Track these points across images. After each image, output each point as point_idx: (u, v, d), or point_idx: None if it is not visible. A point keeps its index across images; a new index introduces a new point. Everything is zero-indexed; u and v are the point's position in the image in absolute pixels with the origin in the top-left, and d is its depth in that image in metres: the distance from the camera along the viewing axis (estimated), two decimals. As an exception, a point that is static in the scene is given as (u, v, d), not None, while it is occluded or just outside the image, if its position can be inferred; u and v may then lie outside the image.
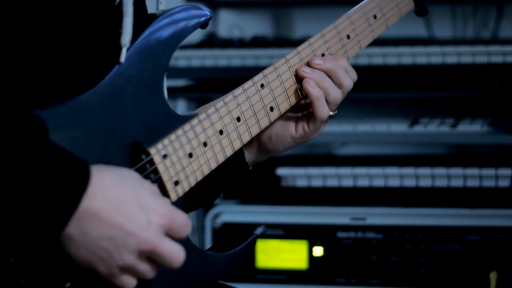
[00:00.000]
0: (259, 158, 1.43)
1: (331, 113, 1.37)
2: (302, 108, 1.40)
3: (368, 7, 1.46)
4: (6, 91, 1.13)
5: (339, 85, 1.36)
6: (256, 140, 1.41)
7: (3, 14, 1.12)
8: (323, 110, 1.35)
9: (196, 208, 1.47)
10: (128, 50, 1.17)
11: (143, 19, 1.23)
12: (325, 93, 1.35)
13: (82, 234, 1.05)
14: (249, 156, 1.42)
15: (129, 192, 1.08)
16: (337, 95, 1.36)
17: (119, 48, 1.17)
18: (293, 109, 1.38)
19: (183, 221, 1.12)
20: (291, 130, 1.39)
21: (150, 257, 1.09)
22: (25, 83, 1.15)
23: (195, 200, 1.41)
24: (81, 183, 1.04)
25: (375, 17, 1.47)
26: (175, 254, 1.10)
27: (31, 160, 1.03)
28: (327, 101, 1.35)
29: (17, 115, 1.05)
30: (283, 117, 1.39)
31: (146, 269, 1.09)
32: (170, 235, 1.11)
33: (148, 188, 1.11)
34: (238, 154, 1.38)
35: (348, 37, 1.43)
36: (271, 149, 1.41)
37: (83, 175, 1.05)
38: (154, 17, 1.21)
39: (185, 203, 1.26)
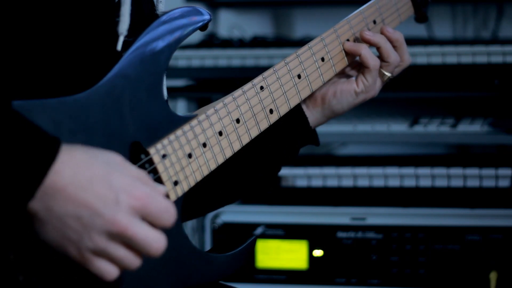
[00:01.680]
0: (321, 119, 1.49)
1: (388, 74, 1.46)
2: (359, 66, 1.47)
3: (367, 12, 1.47)
4: (5, 86, 1.13)
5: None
6: (321, 97, 1.47)
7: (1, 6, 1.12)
8: (372, 59, 1.44)
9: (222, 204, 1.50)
10: (127, 42, 1.17)
11: (145, 18, 1.23)
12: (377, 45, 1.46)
13: (47, 210, 1.01)
14: (312, 116, 1.48)
15: (100, 170, 1.03)
16: (390, 53, 1.45)
17: (116, 37, 1.17)
18: (352, 66, 1.49)
19: (163, 207, 1.06)
20: (353, 84, 1.46)
21: (125, 242, 1.04)
22: (21, 76, 1.15)
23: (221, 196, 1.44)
24: (48, 157, 1.01)
25: (374, 22, 1.48)
26: (151, 240, 1.04)
27: None
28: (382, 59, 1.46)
29: None
30: (345, 74, 1.49)
31: (125, 256, 1.04)
32: (148, 221, 1.05)
33: (127, 171, 1.06)
34: (300, 120, 1.45)
35: (348, 41, 1.45)
36: (335, 106, 1.47)
37: (50, 150, 1.02)
38: (154, 18, 1.21)
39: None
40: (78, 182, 1.02)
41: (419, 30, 2.66)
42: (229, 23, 2.86)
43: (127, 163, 1.08)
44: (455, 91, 2.36)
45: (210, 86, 2.51)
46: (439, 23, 2.74)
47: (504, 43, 2.32)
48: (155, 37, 1.20)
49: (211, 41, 2.66)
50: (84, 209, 1.02)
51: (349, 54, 1.45)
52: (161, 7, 1.32)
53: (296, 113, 1.46)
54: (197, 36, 2.63)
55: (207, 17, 1.25)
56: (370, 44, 1.45)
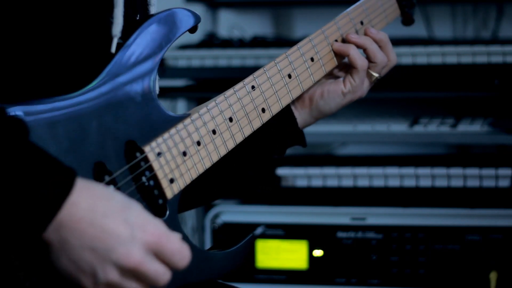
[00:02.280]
0: (309, 119, 1.50)
1: (376, 75, 1.48)
2: (347, 67, 1.49)
3: (354, 13, 1.50)
4: None
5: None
6: (308, 98, 1.48)
7: None
8: (360, 60, 1.45)
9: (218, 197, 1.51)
10: (120, 43, 1.18)
11: (138, 20, 1.24)
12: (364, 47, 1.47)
13: (62, 242, 1.02)
14: (300, 117, 1.49)
15: (117, 205, 1.04)
16: (378, 54, 1.47)
17: (109, 39, 1.18)
18: (340, 68, 1.50)
19: (177, 247, 1.07)
20: (341, 85, 1.47)
21: (136, 276, 1.05)
22: (15, 76, 1.15)
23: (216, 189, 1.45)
24: (64, 189, 1.02)
25: (361, 23, 1.50)
26: (160, 274, 1.05)
27: (14, 163, 1.01)
28: (370, 60, 1.47)
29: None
30: (333, 75, 1.50)
31: None
32: (161, 259, 1.06)
33: (141, 208, 1.07)
34: (289, 120, 1.46)
35: (336, 41, 1.47)
36: (323, 106, 1.48)
37: (67, 181, 1.02)
38: (146, 19, 1.22)
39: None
40: (94, 216, 1.02)
41: (419, 30, 2.66)
42: (229, 23, 2.86)
43: (145, 210, 1.08)
44: (455, 91, 2.36)
45: (210, 86, 2.51)
46: (439, 23, 2.74)
47: (504, 43, 2.32)
48: (145, 38, 1.21)
49: (211, 41, 2.66)
50: (99, 242, 1.02)
51: (338, 55, 1.46)
52: (152, 9, 1.32)
53: (285, 113, 1.47)
54: (197, 36, 2.63)
55: (195, 20, 1.26)
56: (356, 46, 1.47)
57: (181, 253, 1.07)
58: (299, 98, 1.48)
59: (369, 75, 1.48)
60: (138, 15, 1.27)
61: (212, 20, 2.84)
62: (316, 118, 1.50)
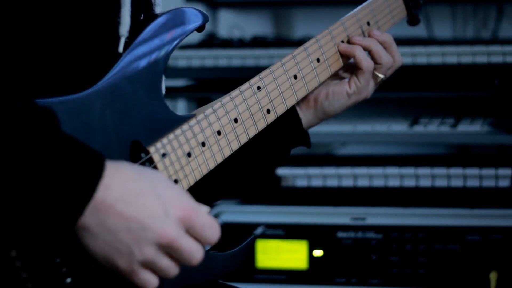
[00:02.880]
0: (314, 120, 1.50)
1: (381, 76, 1.47)
2: (353, 68, 1.49)
3: (361, 14, 1.49)
4: (6, 87, 1.13)
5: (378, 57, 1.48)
6: (313, 99, 1.48)
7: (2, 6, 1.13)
8: (366, 61, 1.45)
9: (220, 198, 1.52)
10: (127, 42, 1.18)
11: (144, 19, 1.24)
12: (369, 49, 1.47)
13: (99, 225, 1.03)
14: (305, 117, 1.49)
15: (147, 184, 1.06)
16: (383, 55, 1.47)
17: (117, 39, 1.18)
18: (345, 68, 1.50)
19: (207, 222, 1.09)
20: (346, 86, 1.48)
21: (169, 253, 1.07)
22: (23, 77, 1.15)
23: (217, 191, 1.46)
24: (96, 172, 1.03)
25: (368, 24, 1.50)
26: (194, 251, 1.07)
27: (46, 150, 1.02)
28: (375, 62, 1.47)
29: (29, 106, 1.05)
30: (338, 75, 1.50)
31: (168, 266, 1.07)
32: (191, 234, 1.08)
33: (170, 183, 1.09)
34: (294, 121, 1.47)
35: (343, 42, 1.47)
36: (327, 107, 1.49)
37: (97, 165, 1.04)
38: (153, 19, 1.22)
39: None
40: (127, 196, 1.04)
41: (419, 30, 2.66)
42: (229, 23, 2.86)
43: (166, 178, 1.10)
44: (455, 91, 2.36)
45: (210, 86, 2.51)
46: (439, 23, 2.74)
47: (504, 43, 2.32)
48: (153, 38, 1.20)
49: (211, 41, 2.66)
50: (134, 222, 1.04)
51: (344, 56, 1.46)
52: (157, 9, 1.32)
53: (290, 114, 1.47)
54: (197, 36, 2.63)
55: (203, 19, 1.26)
56: (362, 47, 1.47)
57: (212, 228, 1.09)
58: (304, 98, 1.49)
59: (374, 76, 1.48)
60: (142, 15, 1.27)
61: (212, 20, 2.84)
62: (321, 119, 1.51)
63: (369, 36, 1.49)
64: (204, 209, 1.10)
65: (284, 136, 1.47)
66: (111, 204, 1.03)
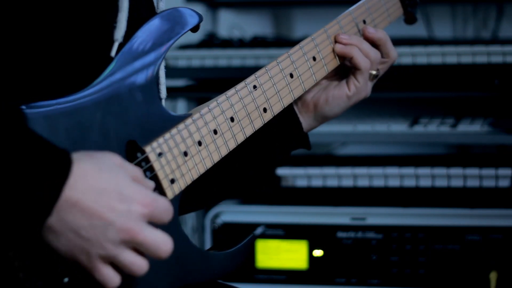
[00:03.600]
0: (314, 123, 1.50)
1: (373, 72, 1.47)
2: (349, 70, 1.48)
3: (357, 12, 1.49)
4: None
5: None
6: (313, 104, 1.48)
7: None
8: (363, 60, 1.45)
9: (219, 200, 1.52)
10: (120, 45, 1.18)
11: (142, 18, 1.24)
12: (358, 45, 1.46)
13: (62, 223, 1.03)
14: (305, 121, 1.49)
15: (109, 180, 1.06)
16: (373, 53, 1.46)
17: (110, 43, 1.18)
18: (343, 71, 1.49)
19: (165, 207, 1.09)
20: (345, 89, 1.47)
21: (136, 248, 1.07)
22: (17, 78, 1.15)
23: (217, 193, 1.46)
24: (63, 173, 1.03)
25: (364, 22, 1.50)
26: (160, 242, 1.07)
27: (11, 150, 1.02)
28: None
29: None
30: (336, 79, 1.49)
31: (132, 261, 1.07)
32: (152, 222, 1.09)
33: (128, 175, 1.09)
34: (294, 124, 1.47)
35: (338, 44, 1.46)
36: (328, 112, 1.49)
37: (64, 164, 1.04)
38: (147, 19, 1.22)
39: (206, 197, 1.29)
40: (90, 194, 1.05)
41: (419, 30, 2.66)
42: (229, 23, 2.86)
43: (125, 162, 1.10)
44: (455, 91, 2.36)
45: (210, 86, 2.51)
46: (439, 23, 2.75)
47: (504, 43, 2.32)
48: (148, 37, 1.20)
49: (211, 41, 2.66)
50: (97, 220, 1.05)
51: (341, 56, 1.46)
52: (161, 6, 1.32)
53: (290, 116, 1.47)
54: (197, 36, 2.63)
55: (198, 19, 1.26)
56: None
57: (168, 211, 1.10)
58: (304, 103, 1.48)
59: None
60: (143, 19, 1.27)
61: (212, 20, 2.84)
62: (321, 122, 1.51)
63: (363, 33, 1.48)
64: (150, 186, 1.11)
65: (284, 138, 1.47)
66: (74, 201, 1.04)
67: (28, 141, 1.04)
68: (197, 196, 1.43)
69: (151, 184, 1.12)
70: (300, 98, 1.46)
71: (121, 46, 1.19)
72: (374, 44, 1.48)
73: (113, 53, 1.18)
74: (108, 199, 1.05)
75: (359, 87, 1.47)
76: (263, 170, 1.49)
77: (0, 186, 1.00)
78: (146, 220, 1.08)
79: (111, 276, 1.07)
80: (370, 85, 1.49)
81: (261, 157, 1.47)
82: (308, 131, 1.51)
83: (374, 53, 1.47)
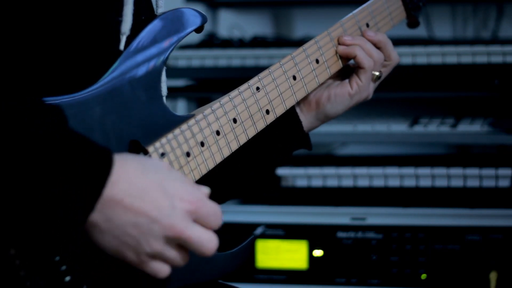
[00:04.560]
0: (315, 122, 1.51)
1: (376, 73, 1.48)
2: (352, 70, 1.49)
3: (360, 16, 1.49)
4: (6, 86, 1.14)
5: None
6: (315, 101, 1.48)
7: (2, 5, 1.13)
8: (366, 59, 1.46)
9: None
10: (127, 38, 1.18)
11: (146, 18, 1.24)
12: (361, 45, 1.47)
13: (107, 221, 1.05)
14: (306, 120, 1.50)
15: (153, 178, 1.08)
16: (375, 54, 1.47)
17: (118, 37, 1.18)
18: (346, 72, 1.49)
19: (212, 210, 1.10)
20: (347, 87, 1.48)
21: (180, 244, 1.09)
22: (25, 75, 1.15)
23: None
24: (104, 170, 1.05)
25: (367, 25, 1.50)
26: (206, 240, 1.08)
27: (54, 148, 1.03)
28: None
29: (36, 104, 1.06)
30: (339, 77, 1.50)
31: (176, 256, 1.08)
32: (199, 223, 1.09)
33: (174, 175, 1.10)
34: (294, 124, 1.47)
35: (341, 45, 1.46)
36: (330, 110, 1.49)
37: (106, 162, 1.05)
38: (154, 18, 1.22)
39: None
40: (134, 192, 1.06)
41: (419, 30, 2.65)
42: (229, 23, 2.86)
43: (170, 168, 1.12)
44: (455, 91, 2.36)
45: (210, 86, 2.51)
46: (439, 23, 2.75)
47: (504, 43, 2.32)
48: (152, 38, 1.21)
49: (211, 41, 2.66)
50: (142, 217, 1.06)
51: (344, 58, 1.46)
52: (161, 4, 1.32)
53: (290, 116, 1.47)
54: (197, 36, 2.63)
55: (203, 19, 1.26)
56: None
57: (216, 214, 1.11)
58: (305, 101, 1.49)
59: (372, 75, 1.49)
60: (144, 16, 1.27)
61: (212, 20, 2.85)
62: (322, 121, 1.51)
63: (363, 36, 1.49)
64: (204, 192, 1.12)
65: (283, 138, 1.48)
66: (118, 199, 1.05)
67: (70, 139, 1.05)
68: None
69: (205, 189, 1.13)
70: None
71: (129, 39, 1.19)
72: (375, 46, 1.49)
73: (121, 46, 1.19)
74: (152, 196, 1.07)
75: (362, 86, 1.47)
76: (263, 170, 1.49)
77: (43, 183, 1.01)
78: (192, 218, 1.09)
79: (161, 268, 1.09)
80: (372, 86, 1.50)
81: (262, 158, 1.47)
82: (310, 131, 1.52)
83: (377, 53, 1.47)
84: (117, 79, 1.16)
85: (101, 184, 1.04)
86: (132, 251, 1.07)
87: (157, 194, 1.07)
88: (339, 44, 1.47)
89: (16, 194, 1.00)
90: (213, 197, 1.49)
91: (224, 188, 1.47)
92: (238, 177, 1.47)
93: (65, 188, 1.02)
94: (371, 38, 1.48)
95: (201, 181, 1.26)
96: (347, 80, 1.49)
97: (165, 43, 1.22)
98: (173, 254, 1.08)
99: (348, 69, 1.50)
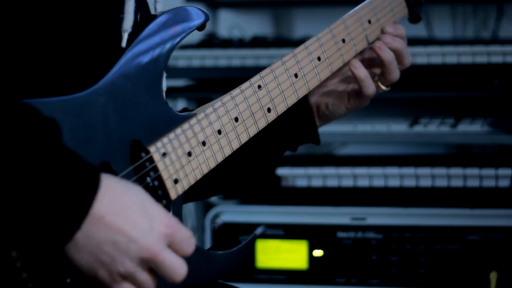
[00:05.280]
0: (319, 123, 1.54)
1: (385, 89, 1.52)
2: (352, 80, 1.50)
3: (362, 12, 1.49)
4: (7, 86, 1.13)
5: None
6: (316, 106, 1.51)
7: (4, 4, 1.13)
8: (369, 88, 1.46)
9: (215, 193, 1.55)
10: (129, 35, 1.18)
11: (147, 16, 1.24)
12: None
13: (86, 237, 1.04)
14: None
15: (134, 198, 1.08)
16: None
17: (119, 34, 1.18)
18: (344, 81, 1.51)
19: (186, 235, 1.10)
20: (345, 101, 1.51)
21: (151, 268, 1.08)
22: (27, 74, 1.15)
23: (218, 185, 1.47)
24: (92, 187, 1.04)
25: (369, 22, 1.49)
26: (177, 266, 1.08)
27: (43, 164, 1.02)
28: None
29: (31, 117, 1.06)
30: (338, 87, 1.52)
31: (146, 280, 1.08)
32: (172, 248, 1.10)
33: (152, 199, 1.10)
34: (306, 118, 1.50)
35: (343, 41, 1.46)
36: (328, 115, 1.53)
37: (94, 180, 1.05)
38: (153, 18, 1.22)
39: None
40: (115, 210, 1.06)
41: (419, 30, 2.66)
42: (229, 23, 2.86)
43: (147, 193, 1.11)
44: (455, 91, 2.36)
45: (210, 86, 2.51)
46: (439, 23, 2.74)
47: (504, 43, 2.32)
48: (154, 36, 1.20)
49: (211, 41, 2.66)
50: (120, 235, 1.06)
51: (345, 54, 1.46)
52: (159, 7, 1.32)
53: (304, 112, 1.49)
54: (197, 36, 2.63)
55: (205, 17, 1.26)
56: (391, 49, 1.48)
57: (189, 240, 1.11)
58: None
59: (378, 87, 1.50)
60: (144, 13, 1.27)
61: (212, 20, 2.84)
62: (325, 122, 1.54)
63: (383, 42, 1.48)
64: (182, 225, 1.12)
65: (295, 132, 1.49)
66: (100, 216, 1.04)
67: (58, 154, 1.05)
68: (199, 190, 1.44)
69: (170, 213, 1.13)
70: None
71: (131, 39, 1.19)
72: (394, 52, 1.49)
73: (123, 44, 1.18)
74: (132, 215, 1.06)
75: (359, 104, 1.50)
76: (266, 168, 1.50)
77: (29, 199, 1.01)
78: (167, 242, 1.09)
79: None
80: (372, 94, 1.50)
81: (265, 156, 1.48)
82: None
83: (395, 74, 1.50)
84: (119, 78, 1.16)
85: (89, 203, 1.04)
86: (105, 269, 1.06)
87: (137, 213, 1.07)
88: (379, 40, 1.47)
89: (5, 205, 1.00)
90: (209, 191, 1.49)
91: (222, 184, 1.48)
92: (238, 173, 1.48)
93: (52, 206, 1.01)
94: (391, 44, 1.48)
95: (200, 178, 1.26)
96: (346, 94, 1.51)
97: (167, 42, 1.22)
98: (144, 277, 1.08)
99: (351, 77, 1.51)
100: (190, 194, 1.41)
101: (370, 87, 1.47)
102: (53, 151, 1.04)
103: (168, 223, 1.09)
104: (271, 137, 1.46)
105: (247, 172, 1.48)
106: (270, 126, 1.36)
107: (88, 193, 1.04)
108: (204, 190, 1.46)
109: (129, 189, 1.08)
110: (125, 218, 1.06)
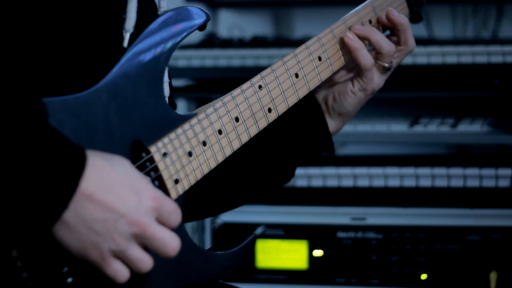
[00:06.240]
0: (334, 124, 1.50)
1: (386, 65, 1.46)
2: (352, 66, 1.49)
3: (363, 12, 1.48)
4: (8, 84, 1.13)
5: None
6: (324, 103, 1.49)
7: (6, 4, 1.13)
8: (365, 58, 1.43)
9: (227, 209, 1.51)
10: (131, 35, 1.18)
11: (148, 16, 1.24)
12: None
13: (76, 217, 1.04)
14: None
15: (121, 174, 1.08)
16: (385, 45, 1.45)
17: (121, 34, 1.18)
18: (346, 68, 1.49)
19: (172, 208, 1.11)
20: (349, 85, 1.47)
21: (144, 244, 1.08)
22: (29, 74, 1.15)
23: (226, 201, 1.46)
24: (78, 166, 1.04)
25: (370, 21, 1.49)
26: (168, 239, 1.08)
27: (29, 145, 1.02)
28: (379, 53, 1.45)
29: (16, 100, 1.05)
30: (340, 77, 1.49)
31: (139, 257, 1.08)
32: (160, 221, 1.10)
33: (138, 172, 1.10)
34: (321, 128, 1.47)
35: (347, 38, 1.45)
36: (339, 109, 1.48)
37: (80, 158, 1.05)
38: (156, 17, 1.22)
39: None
40: (103, 187, 1.06)
41: (419, 30, 2.66)
42: (229, 23, 2.86)
43: (133, 166, 1.12)
44: (455, 91, 2.36)
45: (210, 86, 2.51)
46: (439, 23, 2.75)
47: (504, 43, 2.32)
48: (155, 37, 1.20)
49: (211, 41, 2.66)
50: (109, 212, 1.06)
51: (346, 54, 1.46)
52: (163, 5, 1.32)
53: (315, 116, 1.47)
54: (197, 36, 2.63)
55: (206, 17, 1.26)
56: (360, 37, 1.44)
57: (176, 212, 1.11)
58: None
59: (378, 67, 1.47)
60: (149, 12, 1.27)
61: (212, 20, 2.84)
62: (339, 122, 1.50)
63: (387, 16, 1.47)
64: (167, 197, 1.13)
65: (308, 139, 1.47)
66: (88, 195, 1.05)
67: (45, 135, 1.04)
68: (206, 204, 1.44)
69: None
70: None
71: (133, 39, 1.19)
72: (394, 29, 1.47)
73: (125, 44, 1.19)
74: (120, 191, 1.06)
75: (363, 84, 1.46)
76: (283, 170, 1.49)
77: (16, 180, 1.01)
78: (155, 216, 1.09)
79: (121, 270, 1.08)
80: (378, 77, 1.47)
81: (279, 158, 1.47)
82: (333, 134, 1.51)
83: (387, 45, 1.45)
84: (120, 78, 1.16)
85: (76, 182, 1.04)
86: (96, 249, 1.05)
87: (125, 188, 1.07)
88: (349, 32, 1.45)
89: None
90: (218, 203, 1.49)
91: (232, 193, 1.47)
92: (248, 182, 1.47)
93: (39, 186, 1.01)
94: (394, 18, 1.46)
95: (204, 186, 1.26)
96: (349, 79, 1.48)
97: (168, 41, 1.21)
98: (136, 253, 1.07)
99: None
100: (212, 208, 1.42)
101: (365, 57, 1.43)
102: (38, 130, 1.04)
103: (154, 197, 1.09)
104: (283, 140, 1.46)
105: (263, 179, 1.48)
106: (281, 130, 1.35)
107: (74, 171, 1.04)
108: (225, 203, 1.47)
109: (115, 164, 1.08)
110: (114, 195, 1.06)
